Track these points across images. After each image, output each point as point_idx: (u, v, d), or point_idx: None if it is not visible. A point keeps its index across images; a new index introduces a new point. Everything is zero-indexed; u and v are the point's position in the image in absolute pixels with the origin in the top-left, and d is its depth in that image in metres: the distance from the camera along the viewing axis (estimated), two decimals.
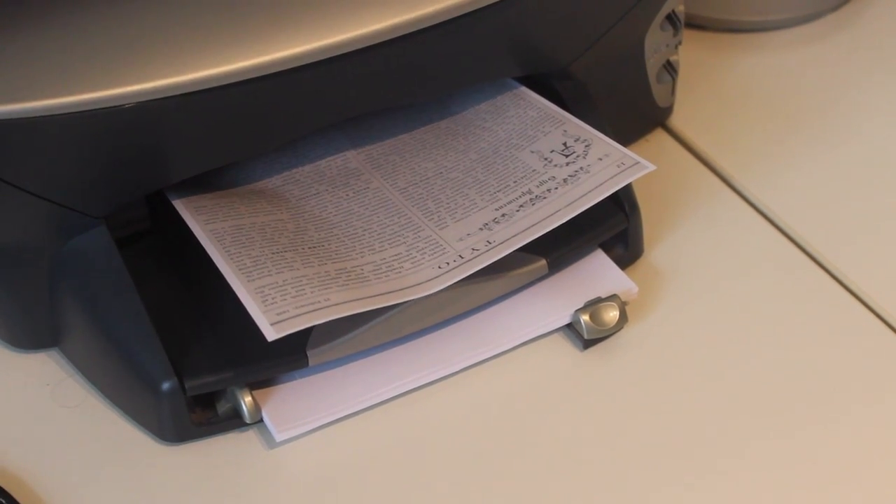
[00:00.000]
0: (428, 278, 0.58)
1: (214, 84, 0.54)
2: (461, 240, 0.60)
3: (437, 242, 0.60)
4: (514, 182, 0.62)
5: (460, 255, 0.59)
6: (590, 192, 0.60)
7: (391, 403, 0.58)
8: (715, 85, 0.76)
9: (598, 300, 0.61)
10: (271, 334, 0.53)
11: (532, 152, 0.63)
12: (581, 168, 0.61)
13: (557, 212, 0.60)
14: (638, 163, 0.60)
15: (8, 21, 0.54)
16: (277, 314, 0.54)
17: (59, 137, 0.53)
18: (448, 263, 0.58)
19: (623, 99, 0.69)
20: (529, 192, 0.61)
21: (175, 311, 0.59)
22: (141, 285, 0.57)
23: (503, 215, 0.60)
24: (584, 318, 0.60)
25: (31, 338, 0.61)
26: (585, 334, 0.60)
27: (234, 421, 0.57)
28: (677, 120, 0.74)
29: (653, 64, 0.69)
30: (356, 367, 0.59)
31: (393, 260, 0.59)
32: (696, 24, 0.80)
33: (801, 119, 0.74)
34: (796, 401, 0.58)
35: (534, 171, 0.62)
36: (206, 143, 0.57)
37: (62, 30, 0.54)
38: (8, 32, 0.54)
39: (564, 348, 0.61)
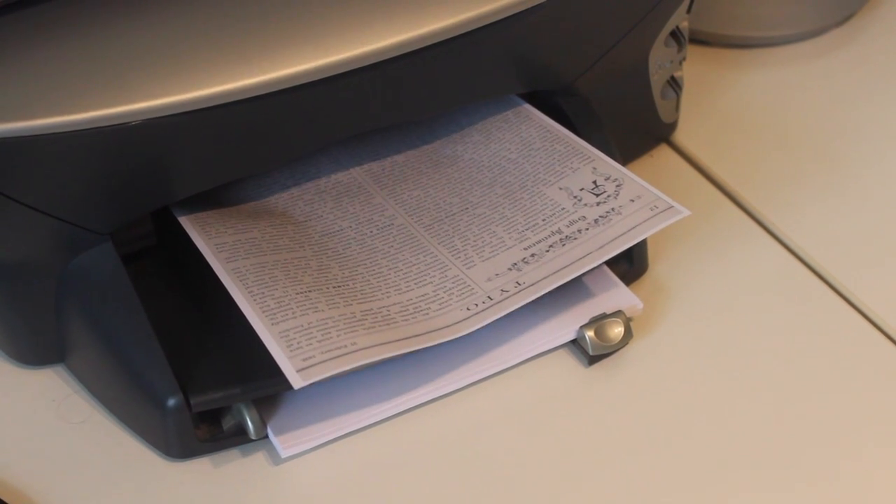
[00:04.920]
0: (456, 320, 0.57)
1: (221, 101, 0.54)
2: (489, 280, 0.59)
3: (465, 282, 0.59)
4: (543, 220, 0.61)
5: (489, 297, 0.58)
6: (622, 235, 0.59)
7: (396, 419, 0.58)
8: (719, 101, 0.76)
9: (603, 316, 0.61)
10: (298, 382, 0.52)
11: (561, 189, 0.62)
12: (612, 209, 0.60)
13: (589, 254, 0.59)
14: (672, 207, 0.60)
15: (14, 39, 0.54)
16: (303, 360, 0.53)
17: (65, 155, 0.54)
18: (477, 305, 0.58)
19: (627, 115, 0.69)
20: (559, 231, 0.60)
21: (180, 327, 0.59)
22: (146, 301, 0.57)
23: (532, 255, 0.59)
24: (589, 334, 0.60)
25: (37, 354, 0.61)
26: (590, 350, 0.60)
27: (240, 437, 0.57)
28: (681, 136, 0.74)
29: (657, 80, 0.69)
30: (361, 384, 0.59)
31: (420, 300, 0.58)
32: (700, 39, 0.80)
33: (805, 134, 0.74)
34: (803, 418, 0.58)
35: (563, 209, 0.61)
36: (213, 159, 0.58)
37: (68, 47, 0.54)
38: (14, 50, 0.54)
39: (569, 364, 0.61)
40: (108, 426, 0.59)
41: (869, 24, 0.82)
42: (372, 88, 0.58)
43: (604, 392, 0.60)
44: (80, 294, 0.58)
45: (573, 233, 0.60)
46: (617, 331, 0.60)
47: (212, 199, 0.62)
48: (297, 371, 0.53)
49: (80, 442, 0.58)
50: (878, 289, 0.64)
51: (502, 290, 0.58)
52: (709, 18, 0.79)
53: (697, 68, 0.78)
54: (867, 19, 0.82)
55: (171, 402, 0.56)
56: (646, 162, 0.72)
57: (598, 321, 0.60)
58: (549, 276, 0.59)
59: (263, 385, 0.56)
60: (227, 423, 0.57)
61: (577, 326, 0.60)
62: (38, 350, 0.61)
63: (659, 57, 0.69)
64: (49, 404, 0.60)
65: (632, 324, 0.61)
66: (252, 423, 0.57)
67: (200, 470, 0.57)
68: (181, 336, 0.58)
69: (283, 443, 0.56)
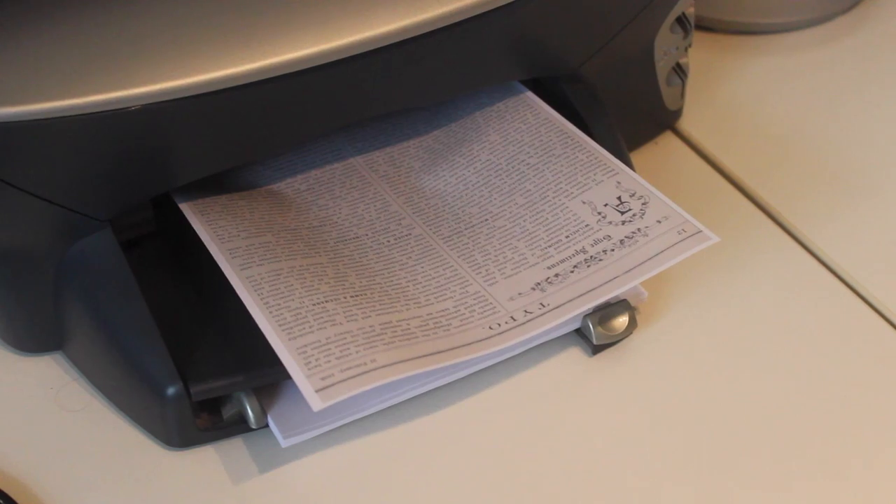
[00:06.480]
0: (478, 339, 0.56)
1: (221, 86, 0.54)
2: (512, 299, 0.58)
3: (487, 300, 0.58)
4: (567, 237, 0.60)
5: (512, 317, 0.57)
6: (649, 259, 0.58)
7: (398, 408, 0.58)
8: (724, 88, 0.76)
9: (608, 305, 0.60)
10: (317, 403, 0.51)
11: (584, 203, 0.60)
12: (639, 230, 0.59)
13: (616, 278, 0.58)
14: (700, 231, 0.59)
15: (13, 23, 0.54)
16: (322, 378, 0.52)
17: (64, 140, 0.53)
18: (500, 325, 0.57)
19: (632, 102, 0.69)
20: (584, 250, 0.59)
21: (180, 315, 0.59)
22: (146, 288, 0.57)
23: (556, 275, 0.58)
24: (594, 323, 0.60)
25: (36, 341, 0.60)
26: (594, 340, 0.60)
27: (240, 426, 0.57)
28: (686, 123, 0.73)
29: (662, 66, 0.69)
30: None
31: (440, 316, 0.57)
32: (705, 26, 0.80)
33: (810, 122, 0.73)
34: (808, 406, 0.58)
35: (587, 225, 0.60)
36: (214, 145, 0.57)
37: (68, 31, 0.54)
38: (13, 34, 0.53)
39: (573, 354, 0.60)
40: (106, 415, 0.58)
41: (875, 10, 0.81)
42: (373, 74, 0.58)
43: (608, 382, 0.59)
44: (80, 281, 0.58)
45: (598, 253, 0.59)
46: (621, 320, 0.60)
47: (215, 186, 0.62)
48: (317, 391, 0.51)
49: (79, 430, 0.58)
50: (881, 274, 0.64)
51: (526, 311, 0.57)
52: (715, 4, 0.79)
53: (703, 55, 0.77)
54: (874, 6, 0.82)
55: (171, 390, 0.55)
56: (650, 149, 0.71)
57: (602, 310, 0.60)
58: (574, 298, 0.57)
59: (264, 374, 0.56)
60: (228, 412, 0.57)
61: (582, 316, 0.60)
62: (36, 337, 0.60)
63: (664, 43, 0.68)
64: (47, 392, 0.59)
65: (636, 313, 0.61)
66: (252, 412, 0.56)
67: (200, 459, 0.57)
68: (181, 324, 0.58)
69: (284, 432, 0.56)
